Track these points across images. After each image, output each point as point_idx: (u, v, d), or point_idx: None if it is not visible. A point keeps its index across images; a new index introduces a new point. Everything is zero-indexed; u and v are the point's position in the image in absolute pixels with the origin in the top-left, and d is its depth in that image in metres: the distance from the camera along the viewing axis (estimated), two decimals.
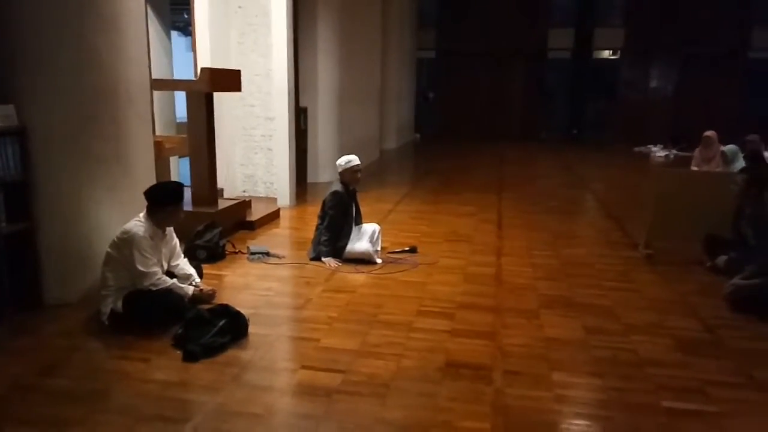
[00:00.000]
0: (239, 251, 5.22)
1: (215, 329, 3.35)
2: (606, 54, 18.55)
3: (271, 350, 3.36)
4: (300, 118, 8.74)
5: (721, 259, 4.76)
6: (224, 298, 4.02)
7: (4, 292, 3.66)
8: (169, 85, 6.04)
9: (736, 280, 4.21)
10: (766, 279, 4.06)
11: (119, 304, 3.56)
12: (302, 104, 8.89)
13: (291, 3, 7.11)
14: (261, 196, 7.68)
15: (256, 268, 4.83)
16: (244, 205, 6.16)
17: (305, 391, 2.92)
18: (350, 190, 5.24)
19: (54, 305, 3.86)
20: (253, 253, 5.13)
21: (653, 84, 17.85)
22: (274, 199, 7.38)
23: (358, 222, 5.35)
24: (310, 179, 9.13)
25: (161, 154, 6.16)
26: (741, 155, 7.27)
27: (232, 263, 4.97)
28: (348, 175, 5.20)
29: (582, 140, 17.71)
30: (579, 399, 2.87)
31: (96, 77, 3.78)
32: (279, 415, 2.72)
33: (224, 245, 5.13)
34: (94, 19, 3.73)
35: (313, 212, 6.03)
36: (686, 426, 2.67)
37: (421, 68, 18.49)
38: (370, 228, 5.31)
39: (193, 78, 6.24)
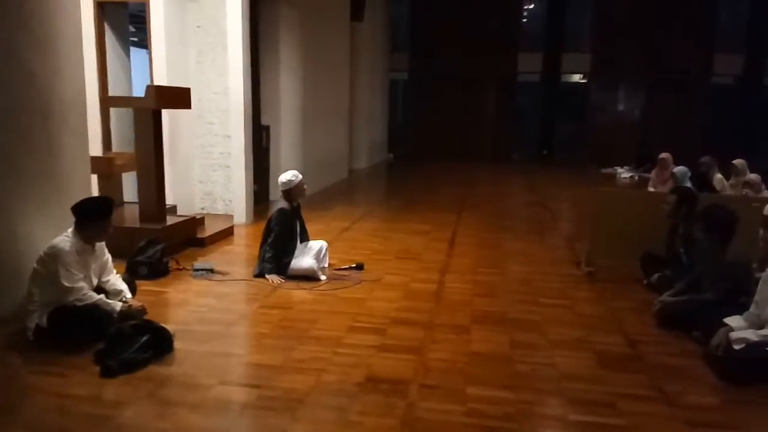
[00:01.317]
0: (183, 268, 5.21)
1: (137, 345, 3.34)
2: (576, 78, 18.99)
3: (193, 366, 3.35)
4: (262, 136, 8.80)
5: (655, 277, 4.86)
6: (158, 314, 4.00)
7: None
8: (118, 101, 6.08)
9: (664, 297, 4.30)
10: (693, 296, 4.16)
11: (44, 319, 3.54)
12: (264, 123, 8.96)
13: (248, 24, 7.21)
14: (220, 213, 7.69)
15: (197, 285, 4.83)
16: (194, 221, 6.17)
17: (217, 406, 2.92)
18: (294, 207, 5.28)
19: None
20: (196, 270, 5.12)
21: (620, 107, 18.26)
22: (232, 217, 7.39)
23: (305, 239, 5.39)
24: (272, 197, 9.12)
25: (112, 170, 6.19)
26: (689, 177, 7.49)
27: (174, 280, 4.96)
28: (294, 191, 5.25)
29: (552, 161, 17.98)
30: (488, 412, 2.91)
31: (28, 95, 3.81)
32: (184, 429, 2.72)
33: (167, 262, 5.12)
34: (27, 38, 3.76)
35: None
36: None
37: (394, 90, 18.73)
38: (317, 245, 5.34)
39: None
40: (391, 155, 18.01)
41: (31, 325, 3.55)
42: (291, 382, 3.16)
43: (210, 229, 6.51)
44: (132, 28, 9.35)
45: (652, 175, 9.25)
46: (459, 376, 3.28)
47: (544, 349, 3.70)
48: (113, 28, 7.44)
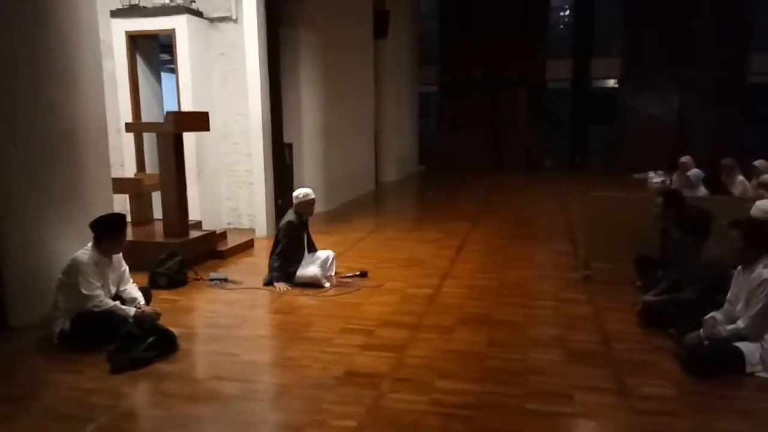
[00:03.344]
0: (201, 278, 5.64)
1: (144, 345, 3.75)
2: (611, 83, 18.85)
3: (193, 364, 3.74)
4: (284, 153, 9.27)
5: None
6: (170, 318, 4.41)
7: None
8: (141, 127, 6.62)
9: (647, 297, 4.43)
10: (674, 296, 4.28)
11: (67, 324, 4.00)
12: (287, 140, 9.43)
13: (264, 49, 7.69)
14: (245, 227, 8.16)
15: (211, 293, 5.25)
16: (214, 236, 6.62)
17: (208, 397, 3.28)
18: (303, 220, 5.64)
19: (18, 327, 4.32)
20: (212, 279, 5.55)
21: (654, 110, 17.98)
22: (254, 230, 7.83)
23: (312, 249, 5.74)
24: None
25: (141, 189, 6.74)
26: (702, 179, 7.50)
27: (191, 289, 5.39)
28: (304, 206, 5.61)
29: (585, 168, 17.87)
30: (449, 402, 3.16)
31: (53, 123, 4.31)
32: (176, 416, 3.08)
33: (186, 272, 5.56)
34: (50, 70, 4.27)
35: None
36: (536, 424, 2.94)
37: (426, 102, 19.09)
38: (324, 254, 5.68)
39: None
40: (423, 167, 18.29)
41: (56, 330, 4.02)
42: (276, 377, 3.50)
43: (231, 242, 6.96)
44: (168, 56, 10.04)
45: (675, 178, 9.24)
46: (431, 371, 3.54)
47: (519, 347, 3.91)
48: (145, 58, 8.07)
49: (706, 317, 3.66)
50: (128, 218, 7.03)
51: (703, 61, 16.80)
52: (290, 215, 5.62)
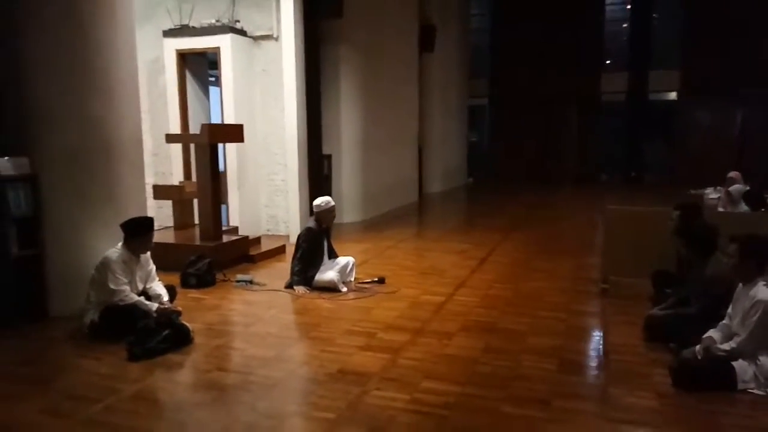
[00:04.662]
0: (228, 279, 5.98)
1: (159, 337, 4.07)
2: (671, 95, 18.27)
3: (202, 356, 4.02)
4: (323, 164, 9.62)
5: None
6: (192, 315, 4.75)
7: (15, 305, 4.62)
8: (179, 138, 7.10)
9: (654, 311, 4.39)
10: (679, 310, 4.23)
11: (96, 316, 4.39)
12: (326, 152, 9.78)
13: (302, 66, 8.06)
14: (282, 234, 8.52)
15: (235, 294, 5.57)
16: (247, 240, 6.98)
17: (208, 386, 3.54)
18: (323, 227, 5.88)
19: (57, 317, 4.76)
20: (238, 281, 5.88)
21: (713, 125, 17.27)
22: (288, 237, 8.17)
23: (333, 255, 5.97)
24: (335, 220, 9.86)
25: (182, 196, 7.20)
26: (742, 195, 7.27)
27: (218, 289, 5.74)
28: (323, 214, 5.86)
29: (640, 182, 17.37)
30: (428, 401, 3.27)
31: (93, 135, 4.76)
32: (175, 401, 3.36)
33: (214, 274, 5.92)
34: (93, 88, 4.73)
35: None
36: (506, 426, 3.02)
37: (478, 115, 19.16)
38: (344, 260, 5.91)
39: None
40: (471, 179, 18.30)
41: (87, 320, 4.41)
42: (274, 371, 3.72)
43: (264, 247, 7.31)
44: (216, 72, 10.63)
45: (722, 194, 8.96)
46: (419, 373, 3.67)
47: (513, 354, 3.97)
48: (194, 74, 8.62)
49: (705, 335, 3.61)
50: (171, 223, 7.56)
51: (764, 75, 16.03)
52: (310, 222, 5.88)
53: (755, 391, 3.34)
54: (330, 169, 9.83)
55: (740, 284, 3.67)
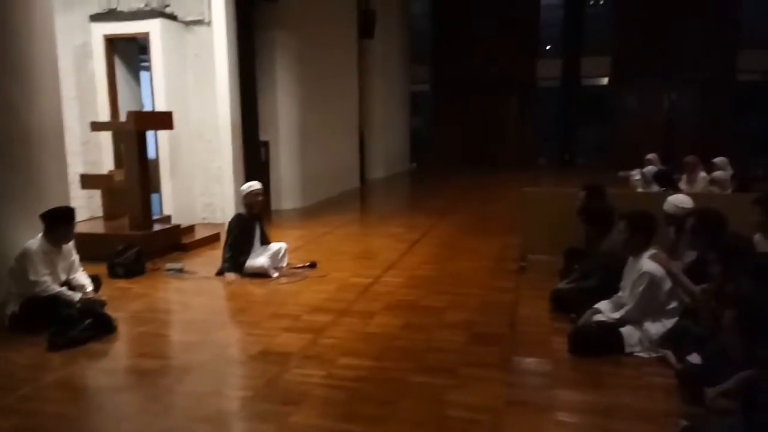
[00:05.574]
0: (158, 268, 5.99)
1: (81, 326, 4.09)
2: (603, 81, 18.98)
3: (124, 343, 4.08)
4: (260, 151, 9.62)
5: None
6: (118, 304, 4.76)
7: None
8: (104, 126, 7.00)
9: (560, 284, 4.70)
10: (582, 283, 4.55)
11: (17, 308, 4.35)
12: (263, 138, 9.77)
13: (234, 51, 8.04)
14: (218, 222, 8.50)
15: (164, 282, 5.60)
16: (178, 229, 6.97)
17: (129, 371, 3.63)
18: (253, 213, 5.95)
19: None
20: (168, 270, 5.90)
21: (643, 108, 18.12)
22: (224, 224, 8.17)
23: (265, 242, 6.06)
24: (273, 206, 9.92)
25: (111, 185, 7.11)
26: (653, 175, 7.78)
27: (147, 279, 5.74)
28: (249, 198, 5.92)
29: (574, 166, 18.05)
30: (343, 376, 3.45)
31: (10, 123, 4.67)
32: (94, 387, 3.43)
33: (144, 263, 5.91)
34: (9, 72, 4.63)
35: None
36: (413, 393, 3.23)
37: (419, 101, 19.40)
38: (276, 246, 6.00)
39: None
40: (414, 165, 18.57)
41: (8, 312, 4.37)
42: (196, 354, 3.81)
43: (198, 235, 7.31)
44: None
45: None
46: (338, 350, 3.84)
47: (430, 330, 4.20)
48: (124, 60, 8.45)
49: (593, 307, 3.93)
50: (101, 213, 7.45)
51: (692, 60, 16.90)
52: (240, 208, 5.95)
53: (641, 354, 3.66)
54: (268, 156, 9.84)
55: (631, 258, 4.00)
